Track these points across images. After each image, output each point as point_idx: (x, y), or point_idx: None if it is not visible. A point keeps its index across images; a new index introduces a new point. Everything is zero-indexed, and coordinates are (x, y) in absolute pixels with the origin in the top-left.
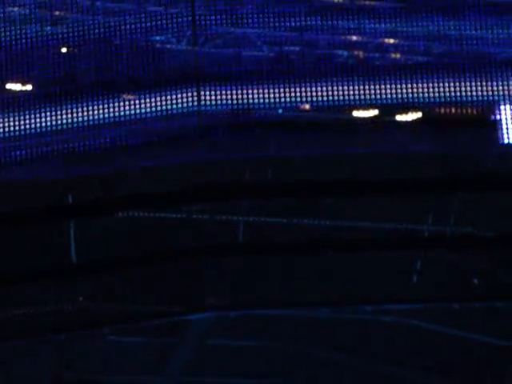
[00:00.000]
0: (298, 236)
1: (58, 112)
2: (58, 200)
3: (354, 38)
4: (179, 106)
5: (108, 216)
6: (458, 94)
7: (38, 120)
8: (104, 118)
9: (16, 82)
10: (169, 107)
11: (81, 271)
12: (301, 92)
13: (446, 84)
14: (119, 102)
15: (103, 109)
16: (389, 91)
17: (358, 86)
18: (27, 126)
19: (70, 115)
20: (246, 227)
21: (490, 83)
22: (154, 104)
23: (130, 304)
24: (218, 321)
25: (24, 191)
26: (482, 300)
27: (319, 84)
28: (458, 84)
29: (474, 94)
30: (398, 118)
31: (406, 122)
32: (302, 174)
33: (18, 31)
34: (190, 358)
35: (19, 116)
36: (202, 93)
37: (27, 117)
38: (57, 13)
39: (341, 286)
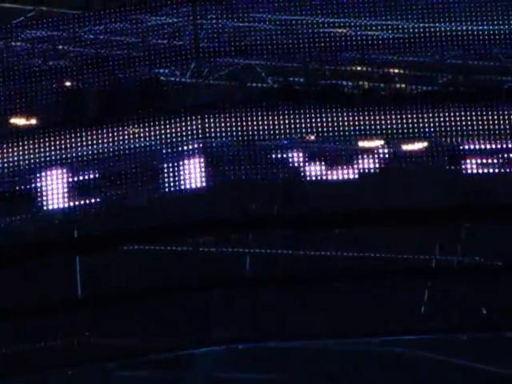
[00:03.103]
0: (305, 268)
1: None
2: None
3: None
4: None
5: (113, 250)
6: None
7: None
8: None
9: None
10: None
11: (87, 306)
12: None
13: None
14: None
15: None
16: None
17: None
18: None
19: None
20: (252, 260)
21: None
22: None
23: (137, 338)
24: (225, 354)
25: None
26: (490, 330)
27: None
28: None
29: None
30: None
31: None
32: (307, 206)
33: None
34: None
35: None
36: None
37: None
38: None
39: (348, 317)
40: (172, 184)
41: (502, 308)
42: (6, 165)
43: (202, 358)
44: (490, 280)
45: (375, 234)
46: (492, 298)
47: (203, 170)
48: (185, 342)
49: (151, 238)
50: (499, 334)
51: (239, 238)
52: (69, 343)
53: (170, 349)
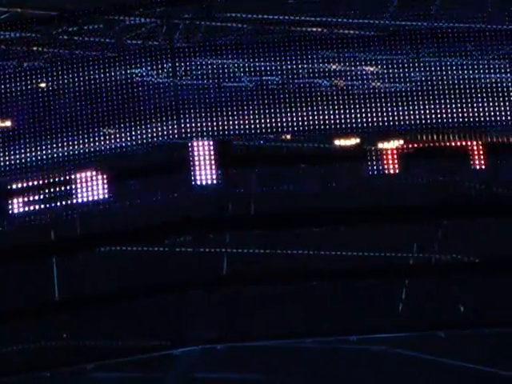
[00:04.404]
0: (282, 267)
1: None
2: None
3: None
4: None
5: (90, 251)
6: None
7: None
8: None
9: None
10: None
11: (64, 307)
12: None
13: None
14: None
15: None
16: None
17: None
18: None
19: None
20: (229, 259)
21: None
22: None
23: (115, 339)
24: (203, 354)
25: None
26: (468, 327)
27: None
28: None
29: None
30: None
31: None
32: (286, 205)
33: None
34: None
35: None
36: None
37: None
38: None
39: (326, 316)
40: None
41: (479, 305)
42: None
43: (179, 359)
44: (468, 277)
45: (352, 232)
46: (469, 295)
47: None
48: (162, 342)
49: (128, 239)
50: (477, 330)
51: (216, 238)
52: (46, 345)
53: (148, 349)
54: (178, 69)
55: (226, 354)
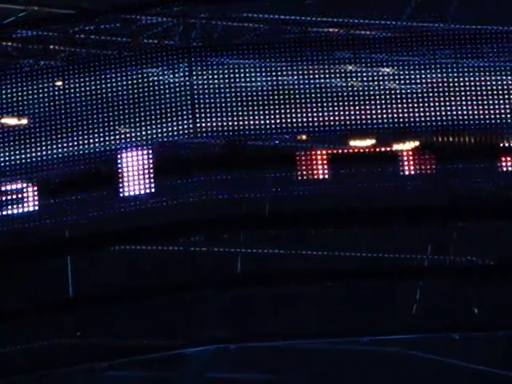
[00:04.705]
0: (295, 267)
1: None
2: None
3: None
4: None
5: (103, 250)
6: None
7: None
8: None
9: None
10: None
11: (76, 306)
12: None
13: None
14: None
15: None
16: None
17: None
18: None
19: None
20: (243, 259)
21: None
22: None
23: (128, 338)
24: (216, 354)
25: None
26: (482, 330)
27: None
28: None
29: None
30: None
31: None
32: (298, 205)
33: None
34: None
35: None
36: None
37: None
38: None
39: (339, 317)
40: None
41: (493, 307)
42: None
43: (192, 358)
44: (482, 279)
45: (365, 233)
46: (484, 297)
47: None
48: (175, 341)
49: (142, 238)
50: (491, 333)
51: (230, 238)
52: (59, 343)
53: (161, 348)
54: (194, 68)
55: (238, 353)
